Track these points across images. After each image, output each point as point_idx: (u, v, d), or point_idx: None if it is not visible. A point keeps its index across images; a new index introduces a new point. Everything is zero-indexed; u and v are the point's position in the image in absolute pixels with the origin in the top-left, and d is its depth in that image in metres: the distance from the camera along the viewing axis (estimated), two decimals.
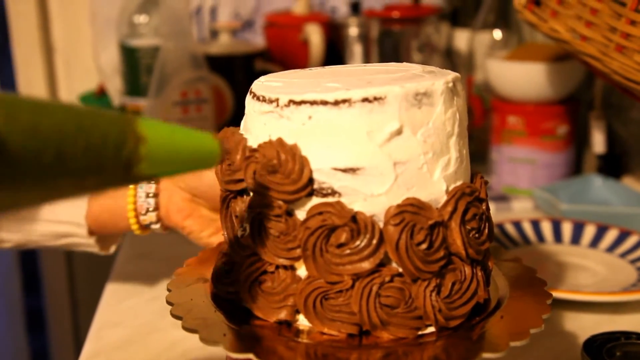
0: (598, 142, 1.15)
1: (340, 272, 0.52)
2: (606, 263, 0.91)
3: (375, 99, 0.51)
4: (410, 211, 0.51)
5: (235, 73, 1.28)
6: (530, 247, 0.96)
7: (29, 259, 1.59)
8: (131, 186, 0.75)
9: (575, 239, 0.97)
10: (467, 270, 0.54)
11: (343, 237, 0.51)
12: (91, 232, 0.78)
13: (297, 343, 0.51)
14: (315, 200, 0.52)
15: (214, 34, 1.39)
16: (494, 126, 1.19)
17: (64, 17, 1.48)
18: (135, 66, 1.19)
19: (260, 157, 0.53)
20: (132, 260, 0.98)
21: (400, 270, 0.52)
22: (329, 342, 0.52)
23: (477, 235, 0.55)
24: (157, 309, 0.84)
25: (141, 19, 1.19)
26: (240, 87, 1.27)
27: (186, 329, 0.51)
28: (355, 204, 0.52)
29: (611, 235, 0.95)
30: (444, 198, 0.53)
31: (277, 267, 0.54)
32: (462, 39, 1.35)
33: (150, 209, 0.75)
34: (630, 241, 0.93)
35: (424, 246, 0.51)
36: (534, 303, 0.56)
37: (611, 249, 0.93)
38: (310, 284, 0.52)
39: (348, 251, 0.51)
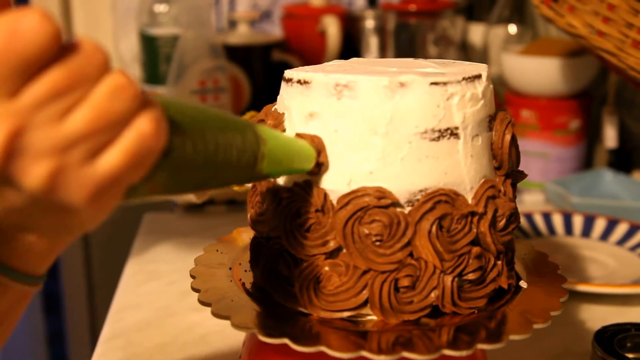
0: (610, 137, 1.16)
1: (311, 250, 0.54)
2: (616, 256, 0.92)
3: (305, 82, 0.54)
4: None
5: (253, 63, 1.29)
6: (542, 239, 0.97)
7: None
8: None
9: (586, 232, 0.98)
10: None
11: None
12: None
13: (327, 328, 0.52)
14: None
15: (233, 24, 1.41)
16: None
17: (85, 5, 1.49)
18: (155, 55, 1.21)
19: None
20: (149, 244, 1.00)
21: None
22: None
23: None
24: (176, 293, 0.86)
25: (161, 8, 1.20)
26: (258, 77, 1.28)
27: (216, 315, 0.52)
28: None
29: (621, 229, 0.96)
30: (346, 190, 0.53)
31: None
32: (477, 33, 1.36)
33: None
34: None
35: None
36: (550, 287, 0.57)
37: (621, 242, 0.95)
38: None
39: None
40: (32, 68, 0.35)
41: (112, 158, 0.37)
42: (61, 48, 0.35)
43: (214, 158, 0.44)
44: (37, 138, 0.35)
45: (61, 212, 0.38)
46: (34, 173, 0.35)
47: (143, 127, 0.37)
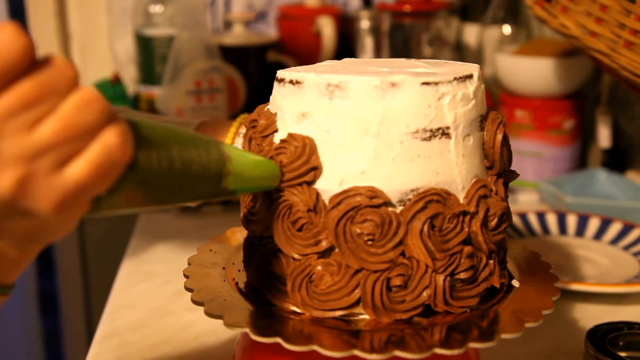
0: (604, 137, 1.17)
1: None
2: (610, 255, 0.93)
3: (297, 82, 0.55)
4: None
5: (248, 64, 1.29)
6: (536, 238, 0.97)
7: None
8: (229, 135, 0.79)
9: (580, 231, 0.98)
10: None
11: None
12: None
13: (320, 327, 0.52)
14: None
15: (228, 24, 1.41)
16: None
17: (81, 5, 1.50)
18: (150, 55, 1.21)
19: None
20: (145, 244, 1.00)
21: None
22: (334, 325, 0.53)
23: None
24: (171, 293, 0.86)
25: (157, 8, 1.20)
26: (253, 78, 1.28)
27: (209, 314, 0.52)
28: None
29: (615, 228, 0.97)
30: (338, 190, 0.53)
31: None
32: (471, 33, 1.36)
33: None
34: (634, 234, 0.95)
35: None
36: (542, 286, 0.57)
37: (615, 241, 0.95)
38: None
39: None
40: (3, 79, 0.37)
41: (79, 168, 0.39)
42: (33, 62, 0.37)
43: (178, 174, 0.46)
44: (6, 146, 0.37)
45: (28, 220, 0.40)
46: (2, 179, 0.37)
47: (109, 139, 0.39)
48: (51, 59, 0.38)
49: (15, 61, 0.36)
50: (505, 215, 0.57)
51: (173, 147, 0.46)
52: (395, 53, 1.31)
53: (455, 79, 0.54)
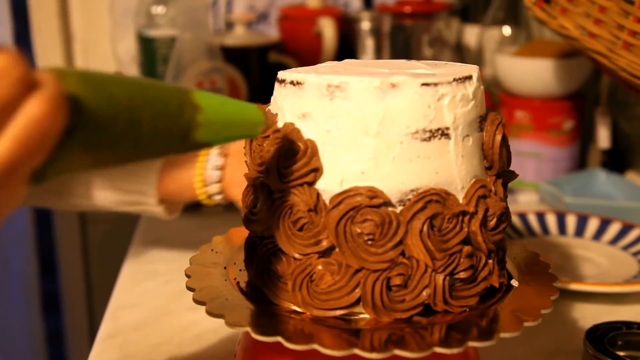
0: (603, 137, 1.17)
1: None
2: (609, 255, 0.93)
3: (298, 83, 0.55)
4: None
5: (250, 64, 1.30)
6: (535, 238, 0.98)
7: (46, 243, 1.61)
8: (200, 158, 0.78)
9: (579, 231, 0.99)
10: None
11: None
12: (160, 201, 0.81)
13: (320, 326, 0.53)
14: None
15: (230, 25, 1.41)
16: None
17: (84, 6, 1.50)
18: (152, 56, 1.21)
19: None
20: (147, 244, 1.00)
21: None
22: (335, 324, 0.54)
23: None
24: (172, 292, 0.86)
25: (159, 9, 1.21)
26: (254, 78, 1.29)
27: (210, 313, 0.52)
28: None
29: (614, 229, 0.97)
30: (339, 189, 0.54)
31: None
32: (472, 34, 1.37)
33: (215, 181, 0.78)
34: (633, 234, 0.95)
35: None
36: (541, 286, 0.58)
37: (614, 241, 0.95)
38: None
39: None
40: None
41: (2, 146, 0.36)
42: None
43: (135, 132, 0.42)
44: None
45: None
46: None
47: (32, 110, 0.36)
48: None
49: None
50: (504, 215, 0.57)
51: (128, 104, 0.41)
52: (396, 54, 1.31)
53: (454, 80, 0.54)
